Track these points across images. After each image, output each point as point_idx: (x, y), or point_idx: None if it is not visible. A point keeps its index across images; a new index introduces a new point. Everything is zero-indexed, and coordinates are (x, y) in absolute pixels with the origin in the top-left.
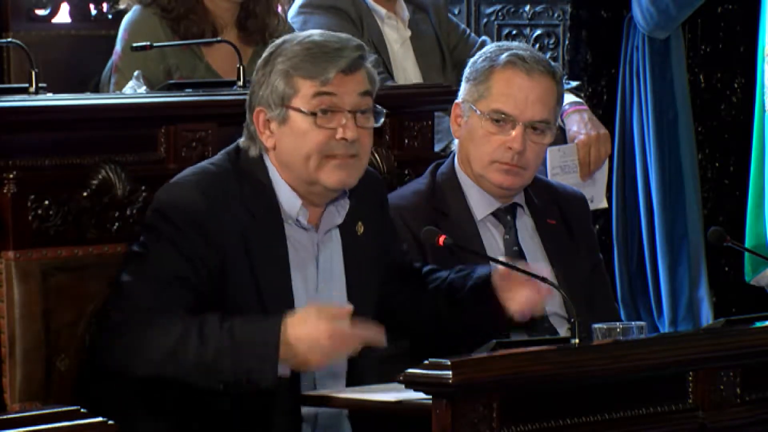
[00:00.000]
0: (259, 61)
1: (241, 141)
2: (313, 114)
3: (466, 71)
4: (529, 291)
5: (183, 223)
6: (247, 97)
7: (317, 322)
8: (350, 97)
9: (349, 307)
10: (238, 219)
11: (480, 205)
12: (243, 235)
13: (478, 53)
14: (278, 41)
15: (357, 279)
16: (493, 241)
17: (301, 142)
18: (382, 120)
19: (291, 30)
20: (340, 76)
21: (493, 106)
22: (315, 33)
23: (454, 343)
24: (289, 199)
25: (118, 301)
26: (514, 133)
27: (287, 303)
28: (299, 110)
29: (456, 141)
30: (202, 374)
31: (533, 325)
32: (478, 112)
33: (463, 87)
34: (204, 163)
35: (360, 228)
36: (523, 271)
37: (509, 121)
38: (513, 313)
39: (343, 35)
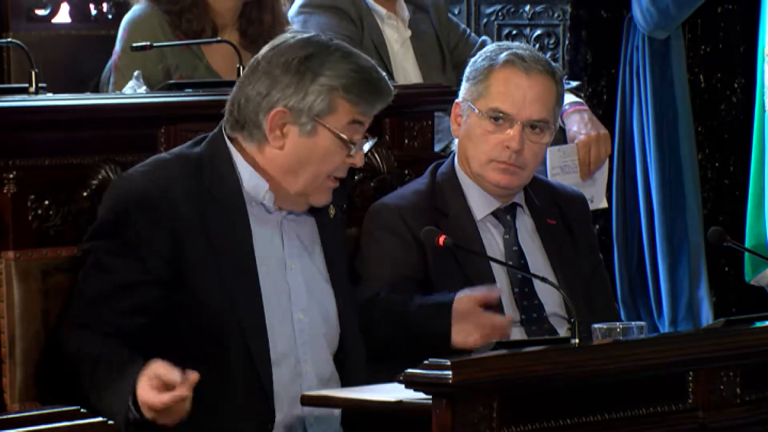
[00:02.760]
0: (288, 58)
1: (227, 126)
2: (352, 144)
3: (466, 70)
4: (478, 335)
5: (133, 217)
6: (255, 85)
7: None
8: (367, 127)
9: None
10: (195, 204)
11: (480, 204)
12: (202, 220)
13: (479, 53)
14: (314, 41)
15: (336, 259)
16: (493, 241)
17: (320, 160)
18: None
19: None
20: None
21: (491, 104)
22: (354, 51)
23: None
24: (253, 183)
25: (67, 305)
26: (511, 132)
27: (253, 286)
28: (335, 133)
29: (456, 141)
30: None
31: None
32: (477, 110)
33: (463, 86)
34: (159, 155)
35: (331, 211)
36: (525, 274)
37: (507, 120)
38: (454, 343)
39: (372, 62)
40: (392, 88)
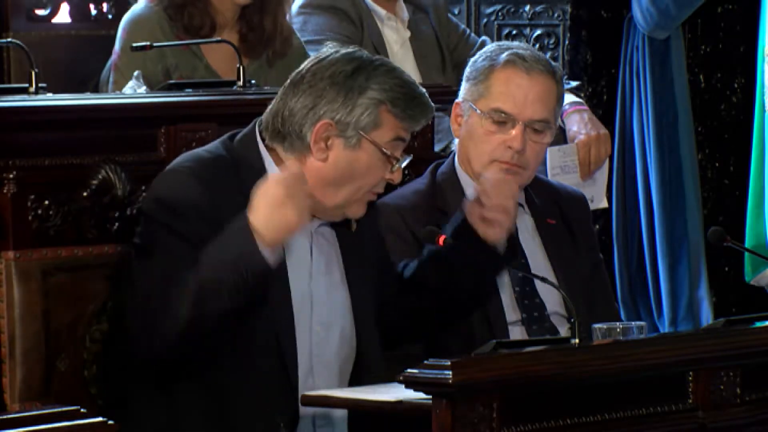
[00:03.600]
0: (335, 71)
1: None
2: (395, 159)
3: (466, 70)
4: (493, 215)
5: (182, 209)
6: (300, 98)
7: (265, 189)
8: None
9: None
10: (234, 203)
11: None
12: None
13: (479, 53)
14: (358, 56)
15: (356, 273)
16: None
17: (363, 174)
18: None
19: (298, 43)
20: (418, 127)
21: (493, 105)
22: (396, 66)
23: (458, 311)
24: None
25: (136, 302)
26: (513, 132)
27: (284, 288)
28: (380, 148)
29: (456, 141)
30: (210, 294)
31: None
32: (478, 111)
33: (464, 86)
34: (197, 150)
35: (353, 225)
36: (526, 273)
37: (509, 120)
38: (490, 236)
39: (413, 78)
40: (433, 105)
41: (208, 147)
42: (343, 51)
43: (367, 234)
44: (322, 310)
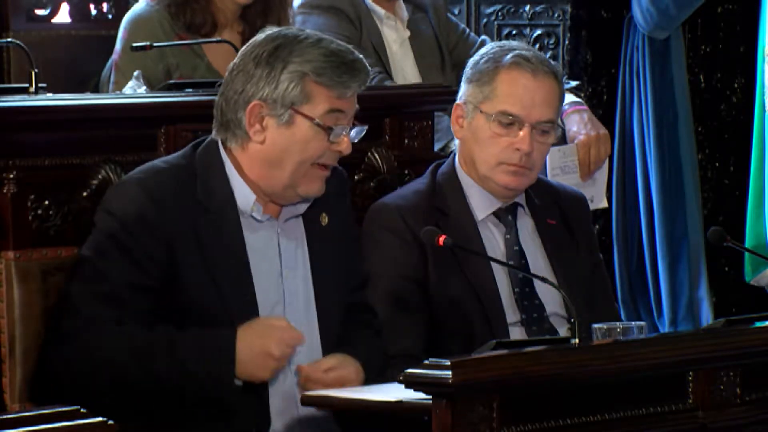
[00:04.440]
0: (259, 52)
1: (214, 131)
2: (329, 129)
3: (468, 72)
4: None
5: (129, 222)
6: (232, 85)
7: (264, 340)
8: (351, 113)
9: (301, 335)
10: (188, 215)
11: (481, 204)
12: (195, 230)
13: (480, 54)
14: (282, 34)
15: (323, 268)
16: (494, 240)
17: (301, 149)
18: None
19: None
20: (353, 93)
21: (500, 107)
22: (324, 37)
23: None
24: (243, 194)
25: (68, 311)
26: (521, 134)
27: (248, 294)
28: (312, 120)
29: (456, 140)
30: (159, 387)
31: None
32: (485, 113)
33: (465, 88)
34: (155, 161)
35: (324, 219)
36: (525, 273)
37: (516, 122)
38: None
39: (354, 49)
40: (368, 67)
41: (168, 157)
42: (269, 31)
43: (337, 229)
44: (297, 306)
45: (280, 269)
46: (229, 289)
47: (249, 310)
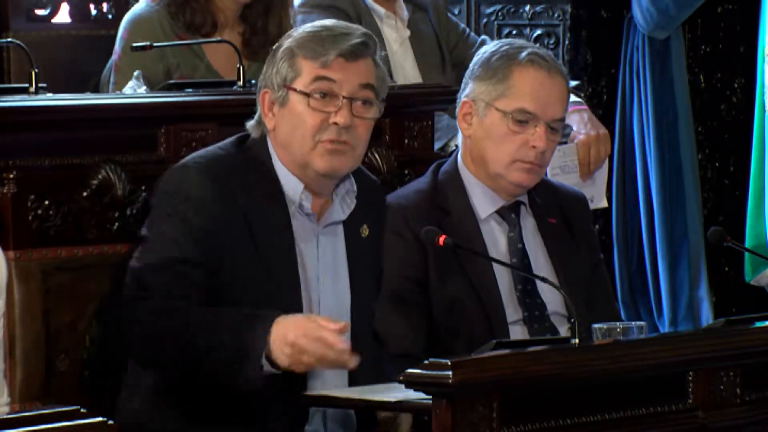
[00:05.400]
0: (271, 50)
1: (248, 125)
2: (309, 95)
3: (477, 70)
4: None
5: (188, 203)
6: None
7: (288, 329)
8: (349, 84)
9: (343, 324)
10: (243, 203)
11: (484, 203)
12: (247, 219)
13: (488, 51)
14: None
15: (361, 279)
16: (497, 239)
17: (298, 124)
18: (381, 112)
19: None
20: (341, 61)
21: (517, 105)
22: (328, 21)
23: None
24: (291, 184)
25: (133, 288)
26: (537, 131)
27: (294, 287)
28: (298, 91)
29: (459, 139)
30: (202, 363)
31: None
32: (500, 111)
33: (474, 85)
34: (212, 147)
35: (365, 230)
36: (525, 273)
37: (531, 120)
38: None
39: (354, 26)
40: (366, 36)
41: (221, 144)
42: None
43: (375, 243)
44: (327, 312)
45: (317, 273)
46: (277, 285)
47: (294, 307)
